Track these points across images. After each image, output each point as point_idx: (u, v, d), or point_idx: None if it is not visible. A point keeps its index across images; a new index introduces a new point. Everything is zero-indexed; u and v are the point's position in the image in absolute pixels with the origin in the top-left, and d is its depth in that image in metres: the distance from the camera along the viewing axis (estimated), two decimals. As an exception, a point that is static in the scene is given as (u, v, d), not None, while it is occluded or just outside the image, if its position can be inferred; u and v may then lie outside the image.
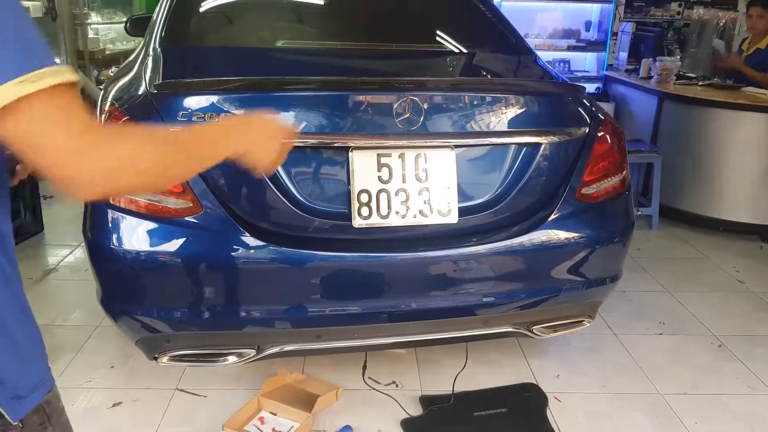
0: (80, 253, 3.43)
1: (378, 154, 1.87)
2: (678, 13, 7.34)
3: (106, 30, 6.57)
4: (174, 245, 1.78)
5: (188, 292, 1.82)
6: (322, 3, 2.78)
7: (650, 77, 4.59)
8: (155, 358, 1.95)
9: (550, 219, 2.00)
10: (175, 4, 2.46)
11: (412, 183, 1.89)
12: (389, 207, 1.87)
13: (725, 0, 6.70)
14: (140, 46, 2.61)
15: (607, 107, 4.79)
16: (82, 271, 3.20)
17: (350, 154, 1.85)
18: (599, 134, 2.11)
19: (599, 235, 2.08)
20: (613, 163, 2.12)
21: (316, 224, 1.85)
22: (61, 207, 4.14)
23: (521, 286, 2.03)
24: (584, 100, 2.16)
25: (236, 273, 1.81)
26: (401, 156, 1.89)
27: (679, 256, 3.72)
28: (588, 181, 2.06)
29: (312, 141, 1.84)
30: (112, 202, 1.80)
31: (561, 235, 2.01)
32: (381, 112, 1.86)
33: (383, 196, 1.87)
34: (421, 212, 1.89)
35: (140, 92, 1.95)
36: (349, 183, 1.86)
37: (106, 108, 1.95)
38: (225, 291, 1.84)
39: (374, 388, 2.31)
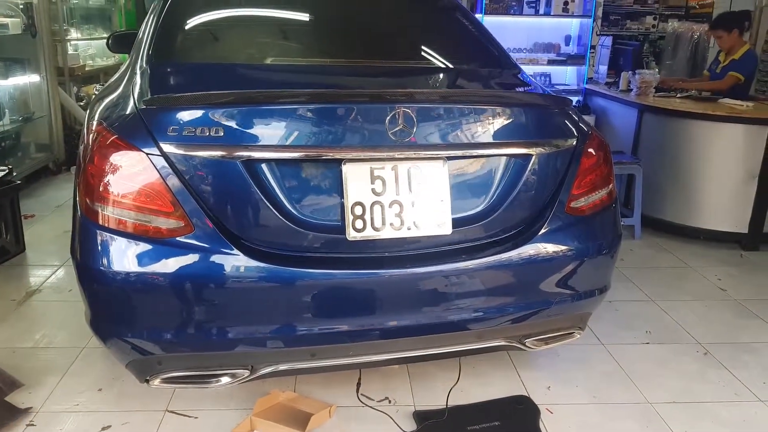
0: (63, 273, 3.38)
1: (371, 167, 1.88)
2: (653, 26, 7.51)
3: (86, 46, 6.52)
4: (165, 266, 1.76)
5: (180, 313, 1.79)
6: (309, 20, 2.79)
7: (629, 90, 4.68)
8: (146, 381, 1.92)
9: (540, 233, 2.02)
10: (162, 21, 2.45)
11: (406, 195, 1.90)
12: (383, 220, 1.87)
13: (699, 13, 6.87)
14: (126, 63, 2.60)
15: (588, 120, 4.86)
16: (65, 292, 3.16)
17: (343, 167, 1.85)
18: (586, 148, 2.14)
19: (588, 248, 2.10)
20: (600, 176, 2.15)
21: (309, 238, 1.84)
22: (42, 226, 4.08)
23: (513, 300, 2.04)
24: (571, 113, 2.19)
25: (229, 293, 1.79)
26: (394, 168, 1.89)
27: (662, 265, 3.77)
28: (577, 194, 2.09)
29: (303, 154, 1.84)
30: (101, 223, 1.78)
31: (552, 248, 2.03)
32: (373, 124, 1.86)
33: (377, 208, 1.87)
34: (414, 224, 1.90)
35: (128, 110, 1.93)
36: (342, 196, 1.86)
37: (94, 127, 1.93)
38: (218, 311, 1.82)
39: (367, 405, 2.30)
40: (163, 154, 1.77)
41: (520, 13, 5.96)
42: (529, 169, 2.02)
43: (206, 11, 2.65)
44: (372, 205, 1.87)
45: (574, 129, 2.14)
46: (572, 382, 2.50)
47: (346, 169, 1.85)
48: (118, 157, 1.78)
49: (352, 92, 1.99)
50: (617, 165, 3.97)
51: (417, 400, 2.35)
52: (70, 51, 5.87)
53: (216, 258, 1.78)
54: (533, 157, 2.03)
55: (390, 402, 2.33)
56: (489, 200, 2.02)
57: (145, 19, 2.73)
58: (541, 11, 6.04)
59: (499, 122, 2.02)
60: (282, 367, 1.97)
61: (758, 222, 3.94)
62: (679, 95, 4.46)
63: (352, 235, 1.86)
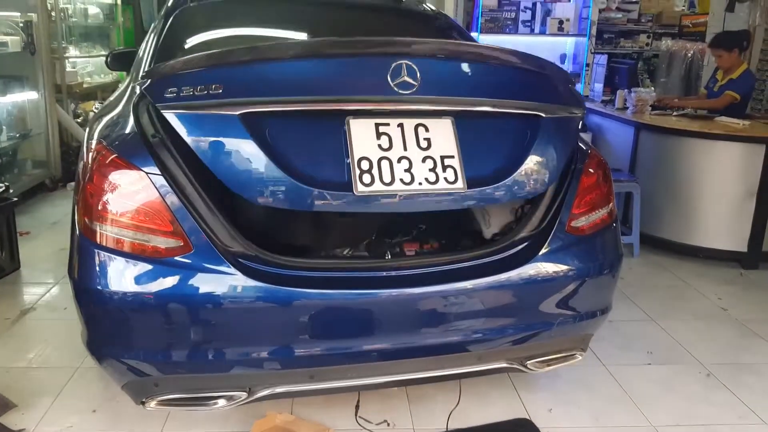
0: (58, 291, 3.34)
1: (376, 123, 1.82)
2: (647, 44, 7.57)
3: (84, 63, 6.53)
4: (164, 286, 1.74)
5: (179, 335, 1.77)
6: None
7: (626, 108, 4.69)
8: (142, 403, 1.89)
9: (541, 253, 2.00)
10: (162, 41, 2.46)
11: (414, 151, 1.83)
12: (392, 175, 1.80)
13: (692, 32, 6.93)
14: (126, 82, 2.60)
15: (585, 137, 4.87)
16: (60, 310, 3.12)
17: (347, 124, 1.80)
18: (585, 167, 2.14)
19: (590, 268, 2.09)
20: (600, 195, 2.15)
21: (314, 194, 1.76)
22: (38, 243, 4.05)
23: (515, 321, 2.02)
24: (573, 86, 2.18)
25: (228, 314, 1.77)
26: (400, 126, 1.85)
27: (662, 284, 3.76)
28: (577, 214, 2.08)
29: (305, 107, 1.79)
30: (99, 242, 1.76)
31: (553, 268, 2.02)
32: (375, 76, 1.81)
33: (385, 164, 1.80)
34: (426, 180, 1.82)
35: (128, 129, 1.92)
36: (347, 153, 1.79)
37: (93, 146, 1.92)
38: (217, 332, 1.79)
39: (366, 428, 2.27)
40: (163, 173, 1.76)
41: (516, 32, 6.01)
42: (539, 131, 1.98)
43: (207, 30, 2.66)
44: (379, 160, 1.80)
45: (577, 100, 2.12)
46: (574, 404, 2.47)
47: (351, 125, 1.80)
48: (118, 176, 1.77)
49: (356, 41, 1.92)
50: (615, 183, 3.96)
51: (416, 423, 2.31)
52: (69, 68, 5.88)
53: (214, 278, 1.75)
54: (542, 120, 1.99)
55: (389, 425, 2.29)
56: (501, 161, 1.96)
57: (146, 38, 2.74)
58: (537, 30, 6.09)
59: (507, 82, 1.99)
60: (280, 389, 1.94)
61: (757, 240, 3.93)
62: (675, 113, 4.48)
63: (360, 189, 1.77)
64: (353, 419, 2.30)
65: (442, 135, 1.88)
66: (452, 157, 1.86)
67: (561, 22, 6.12)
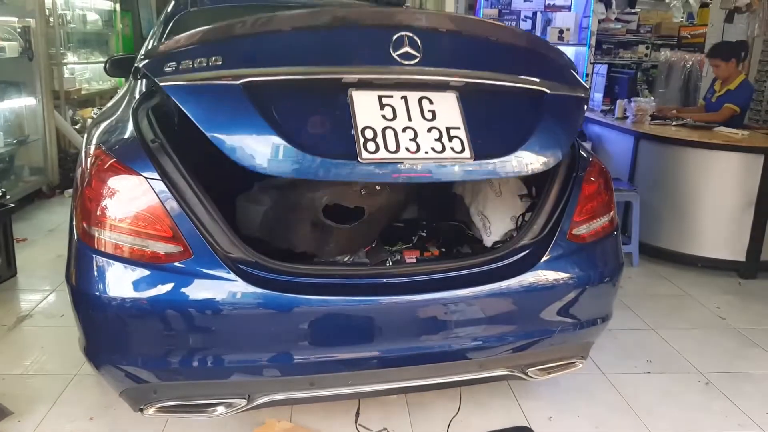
0: (55, 298, 3.32)
1: (379, 95, 1.80)
2: (645, 55, 7.62)
3: (82, 70, 6.53)
4: (163, 292, 1.72)
5: (178, 341, 1.76)
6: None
7: (625, 117, 4.70)
8: (140, 410, 1.87)
9: (542, 260, 2.00)
10: (162, 47, 2.45)
11: (419, 121, 1.80)
12: (397, 143, 1.76)
13: (691, 43, 6.97)
14: (125, 87, 2.60)
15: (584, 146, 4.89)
16: (57, 317, 3.10)
17: (350, 94, 1.78)
18: (587, 175, 2.14)
19: (591, 276, 2.08)
20: (601, 203, 2.14)
21: (318, 162, 1.70)
22: (35, 250, 4.02)
23: (516, 329, 2.02)
24: (575, 71, 2.18)
25: (228, 320, 1.76)
26: (404, 98, 1.82)
27: (661, 293, 3.75)
28: (578, 221, 2.08)
29: (307, 77, 1.77)
30: (98, 247, 1.75)
31: (553, 276, 2.01)
32: (378, 46, 1.79)
33: (389, 133, 1.77)
34: (433, 149, 1.79)
35: (127, 134, 1.92)
36: (351, 124, 1.75)
37: (92, 151, 1.91)
38: (216, 339, 1.78)
39: (366, 436, 2.25)
40: (163, 178, 1.75)
41: (516, 42, 6.01)
42: (544, 107, 1.96)
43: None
44: (383, 129, 1.76)
45: (580, 83, 2.11)
46: (574, 413, 2.46)
47: (353, 97, 1.77)
48: (117, 181, 1.76)
49: (360, 8, 1.91)
50: (614, 192, 3.97)
51: (416, 431, 2.29)
52: (67, 74, 5.88)
53: (214, 284, 1.74)
54: (547, 96, 1.98)
55: (389, 433, 2.28)
56: (507, 136, 1.93)
57: (145, 44, 2.73)
58: (537, 40, 6.09)
59: (511, 57, 1.99)
60: (279, 396, 1.93)
61: (755, 250, 3.93)
62: (674, 123, 4.49)
63: (364, 156, 1.73)
64: (353, 426, 2.28)
65: (447, 108, 1.84)
66: (458, 128, 1.83)
67: (561, 31, 6.15)
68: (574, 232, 2.08)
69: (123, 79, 3.12)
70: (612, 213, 2.19)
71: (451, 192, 2.68)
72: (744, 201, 3.89)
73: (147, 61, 1.79)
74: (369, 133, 1.75)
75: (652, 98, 5.00)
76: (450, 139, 1.81)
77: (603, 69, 5.30)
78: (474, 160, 1.82)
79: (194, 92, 1.71)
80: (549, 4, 6.07)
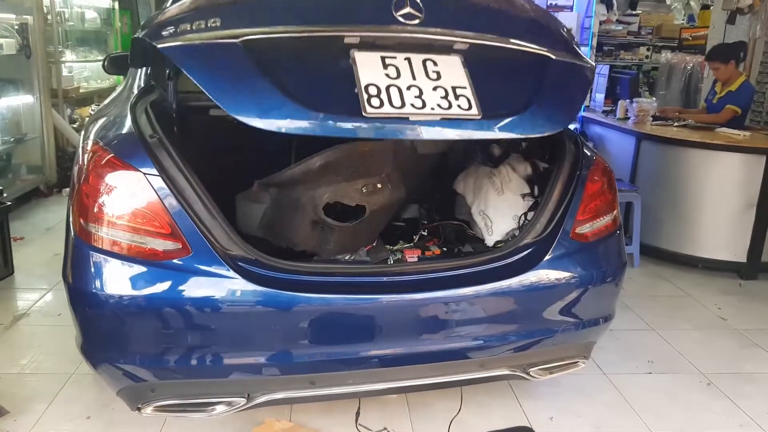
0: (52, 297, 3.29)
1: (381, 56, 1.76)
2: (646, 57, 7.61)
3: (80, 68, 6.50)
4: (161, 289, 1.70)
5: (176, 339, 1.73)
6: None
7: (627, 118, 4.69)
8: (138, 409, 1.85)
9: (545, 259, 1.98)
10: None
11: (424, 81, 1.76)
12: (402, 100, 1.71)
13: (692, 45, 6.96)
14: (123, 84, 2.57)
15: (584, 147, 4.87)
16: (54, 316, 3.07)
17: (352, 55, 1.74)
18: (590, 174, 2.12)
19: (594, 275, 2.07)
20: (604, 202, 2.13)
21: (320, 118, 1.65)
22: (32, 249, 4.00)
23: (518, 328, 2.00)
24: (578, 46, 2.17)
25: (227, 318, 1.74)
26: (407, 59, 1.78)
27: (662, 294, 3.73)
28: (581, 220, 2.06)
29: (307, 34, 1.74)
30: (95, 244, 1.73)
31: (556, 275, 1.99)
32: (379, 6, 1.77)
33: (394, 90, 1.72)
34: (439, 105, 1.73)
35: (125, 130, 1.90)
36: (354, 82, 1.70)
37: (89, 146, 1.89)
38: (215, 337, 1.76)
39: (365, 436, 2.23)
40: (161, 174, 1.73)
41: (517, 42, 5.99)
42: (550, 71, 1.93)
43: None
44: (388, 87, 1.71)
45: (583, 56, 2.10)
46: (575, 413, 2.44)
47: (356, 57, 1.73)
48: (114, 177, 1.74)
49: None
50: (616, 192, 3.96)
51: (416, 431, 2.27)
52: (65, 73, 5.84)
53: (213, 281, 1.72)
54: (552, 62, 1.95)
55: (389, 432, 2.26)
56: (514, 97, 1.89)
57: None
58: (538, 40, 6.07)
59: (515, 22, 1.99)
60: (279, 395, 1.91)
61: (756, 251, 3.92)
62: (676, 124, 4.48)
63: (369, 111, 1.67)
64: (353, 426, 2.26)
65: (452, 70, 1.80)
66: (464, 87, 1.78)
67: (562, 32, 6.12)
68: (578, 231, 2.06)
69: (121, 77, 3.10)
70: (615, 212, 2.17)
71: (453, 190, 2.66)
72: (745, 202, 3.88)
73: (146, 30, 1.77)
74: (373, 90, 1.69)
75: (654, 99, 4.98)
76: (456, 97, 1.76)
77: (605, 69, 5.29)
78: (482, 118, 1.76)
79: (194, 52, 1.68)
80: (551, 3, 6.05)
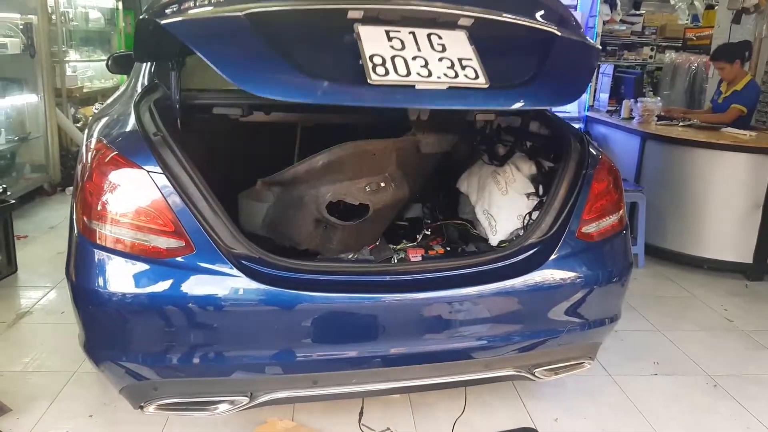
0: (55, 295, 3.29)
1: (386, 30, 1.73)
2: (650, 57, 7.58)
3: (84, 68, 6.50)
4: (164, 287, 1.69)
5: (179, 337, 1.73)
6: None
7: (632, 118, 4.67)
8: (141, 407, 1.84)
9: (551, 258, 1.96)
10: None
11: (429, 52, 1.72)
12: (408, 68, 1.67)
13: (696, 44, 6.93)
14: (126, 83, 2.57)
15: (589, 147, 4.85)
16: (57, 314, 3.07)
17: (356, 29, 1.71)
18: (596, 173, 2.10)
19: (599, 275, 2.05)
20: (611, 202, 2.11)
21: (325, 86, 1.62)
22: (35, 247, 4.00)
23: (524, 328, 1.98)
24: (582, 32, 2.16)
25: (230, 316, 1.73)
26: (411, 33, 1.75)
27: (667, 295, 3.71)
28: (587, 219, 2.04)
29: (312, 7, 1.75)
30: (98, 242, 1.72)
31: (562, 275, 1.98)
32: None
33: (399, 60, 1.68)
34: (445, 74, 1.70)
35: (129, 128, 1.89)
36: (359, 54, 1.66)
37: (93, 144, 1.88)
38: (218, 335, 1.75)
39: (369, 436, 2.22)
40: (165, 172, 1.72)
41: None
42: (556, 47, 1.91)
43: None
44: (393, 57, 1.68)
45: (587, 38, 2.08)
46: (580, 414, 2.42)
47: (360, 30, 1.71)
48: (118, 175, 1.73)
49: None
50: (622, 191, 3.94)
51: (420, 431, 2.26)
52: (69, 72, 5.84)
53: (217, 280, 1.71)
54: (558, 38, 1.92)
55: (392, 433, 2.24)
56: (520, 70, 1.86)
57: None
58: (542, 40, 6.05)
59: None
60: (282, 394, 1.90)
61: (763, 252, 3.89)
62: (681, 124, 4.45)
63: (374, 78, 1.63)
64: (356, 426, 2.25)
65: (457, 43, 1.77)
66: (470, 59, 1.75)
67: (566, 30, 6.10)
68: (583, 231, 2.04)
69: (125, 77, 3.10)
70: (621, 212, 2.16)
71: (456, 189, 2.65)
72: (751, 202, 3.85)
73: (150, 11, 1.76)
74: (377, 60, 1.66)
75: (658, 99, 4.96)
76: (463, 67, 1.72)
77: (609, 69, 5.27)
78: (489, 87, 1.72)
79: (198, 27, 1.68)
80: (554, 3, 6.03)
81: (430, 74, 1.68)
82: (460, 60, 1.73)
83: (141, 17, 1.87)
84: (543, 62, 1.87)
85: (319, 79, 1.62)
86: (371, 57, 1.66)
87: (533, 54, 1.90)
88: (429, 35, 1.76)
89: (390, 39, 1.71)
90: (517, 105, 1.83)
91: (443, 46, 1.75)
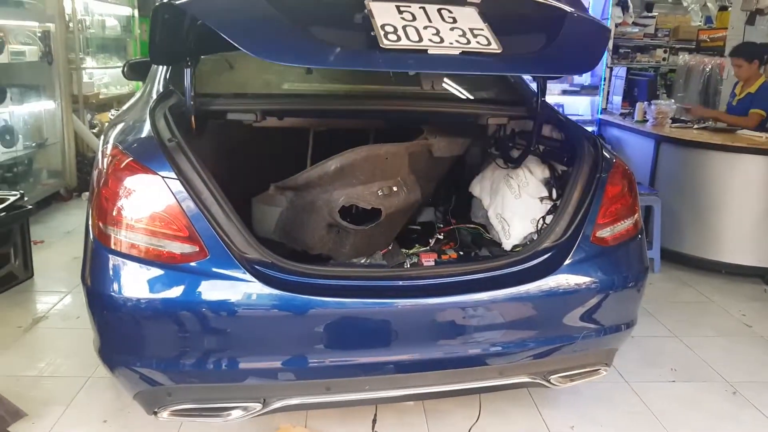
0: (71, 300, 3.31)
1: (396, 5, 1.74)
2: (663, 59, 7.51)
3: (100, 74, 6.57)
4: (178, 292, 1.70)
5: (193, 342, 1.73)
6: None
7: (645, 120, 4.63)
8: (155, 413, 1.84)
9: (565, 263, 1.94)
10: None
11: (441, 23, 1.73)
12: (419, 36, 1.68)
13: (710, 46, 6.86)
14: (142, 89, 2.59)
15: (603, 150, 4.81)
16: (73, 319, 3.09)
17: (367, 5, 1.72)
18: (610, 177, 2.08)
19: (615, 280, 2.03)
20: (625, 206, 2.09)
21: (337, 51, 1.64)
22: (51, 252, 4.03)
23: (539, 334, 1.96)
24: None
25: (244, 322, 1.73)
26: (422, 8, 1.76)
27: (684, 300, 3.66)
28: (602, 224, 2.02)
29: None
30: (114, 247, 1.73)
31: (577, 280, 1.96)
32: None
33: (411, 29, 1.69)
34: (457, 41, 1.70)
35: (144, 134, 1.90)
36: (371, 26, 1.67)
37: (109, 150, 1.90)
38: (232, 341, 1.75)
39: (382, 442, 2.21)
40: (179, 177, 1.73)
41: (533, 45, 5.96)
42: (566, 23, 1.90)
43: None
44: (404, 26, 1.69)
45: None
46: (596, 422, 2.39)
47: (371, 6, 1.72)
48: (133, 180, 1.74)
49: None
50: (637, 195, 3.90)
51: (434, 438, 2.25)
52: (85, 79, 5.91)
53: (230, 285, 1.72)
54: (569, 15, 1.92)
55: (406, 439, 2.23)
56: (531, 41, 1.87)
57: None
58: (554, 43, 6.03)
59: None
60: (295, 401, 1.89)
61: (782, 256, 3.84)
62: (696, 126, 4.41)
63: (385, 43, 1.63)
64: (369, 433, 2.24)
65: (468, 17, 1.78)
66: (481, 29, 1.75)
67: (578, 33, 6.07)
68: (598, 235, 2.02)
69: (140, 84, 3.13)
70: (636, 216, 2.14)
71: (469, 193, 2.64)
72: (769, 206, 3.80)
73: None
74: (389, 28, 1.67)
75: (672, 101, 4.91)
76: (474, 36, 1.72)
77: (622, 71, 5.23)
78: (502, 53, 1.72)
79: (211, 2, 1.71)
80: (566, 6, 6.01)
81: (442, 41, 1.68)
82: (471, 29, 1.74)
83: (157, 4, 1.88)
84: (554, 37, 1.86)
85: (332, 46, 1.65)
86: (383, 26, 1.67)
87: (544, 30, 1.90)
88: (439, 10, 1.77)
89: (401, 12, 1.72)
90: (530, 70, 1.85)
91: (454, 18, 1.75)
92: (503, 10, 1.91)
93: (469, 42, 1.70)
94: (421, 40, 1.66)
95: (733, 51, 4.64)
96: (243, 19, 1.67)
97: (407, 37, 1.66)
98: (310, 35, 1.67)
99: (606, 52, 5.72)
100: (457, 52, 1.67)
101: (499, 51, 1.70)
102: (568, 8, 1.95)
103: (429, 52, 1.66)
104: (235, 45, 1.57)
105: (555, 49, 1.84)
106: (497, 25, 1.78)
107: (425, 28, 1.70)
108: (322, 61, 1.68)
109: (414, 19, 1.72)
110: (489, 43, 1.71)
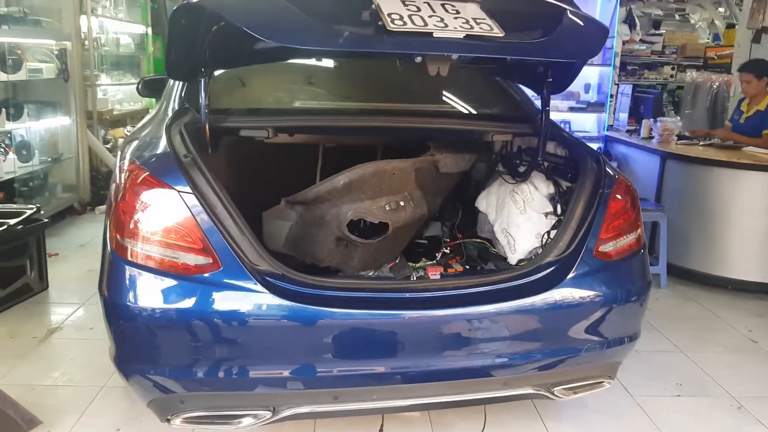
0: (84, 312, 3.38)
1: (402, 0, 1.81)
2: (671, 76, 7.56)
3: (114, 91, 6.70)
4: (192, 303, 1.75)
5: (205, 351, 1.78)
6: (332, 66, 2.86)
7: (651, 137, 4.67)
8: (167, 420, 1.89)
9: (569, 277, 1.99)
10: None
11: (444, 14, 1.80)
12: (424, 21, 1.75)
13: (717, 63, 6.90)
14: (157, 106, 2.67)
15: (609, 167, 4.84)
16: (87, 330, 3.15)
17: (375, 0, 1.78)
18: (613, 192, 2.13)
19: (618, 294, 2.06)
20: (628, 221, 2.13)
21: (345, 34, 1.73)
22: (66, 265, 4.11)
23: (543, 346, 2.00)
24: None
25: (255, 332, 1.78)
26: (426, 3, 1.83)
27: (690, 315, 3.68)
28: (605, 239, 2.06)
29: None
30: (131, 259, 1.79)
31: (580, 293, 2.00)
32: None
33: (416, 17, 1.76)
34: (461, 27, 1.77)
35: (160, 150, 1.97)
36: (378, 16, 1.74)
37: (126, 166, 1.97)
38: (244, 350, 1.80)
39: (389, 452, 2.24)
40: (194, 192, 1.79)
41: (540, 63, 6.03)
42: (565, 19, 1.96)
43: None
44: (410, 15, 1.76)
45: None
46: (601, 434, 2.42)
47: (379, 1, 1.78)
48: (150, 194, 1.80)
49: None
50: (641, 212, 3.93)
51: (440, 449, 2.28)
52: (100, 95, 6.03)
53: (242, 296, 1.77)
54: (568, 11, 1.98)
55: (412, 450, 2.26)
56: (533, 31, 1.93)
57: None
58: (561, 60, 6.09)
59: None
60: (304, 409, 1.93)
61: (787, 272, 3.85)
62: (702, 143, 4.44)
63: (391, 26, 1.71)
64: (376, 444, 2.28)
65: (471, 10, 1.85)
66: (484, 19, 1.82)
67: (585, 51, 6.13)
68: (601, 250, 2.06)
69: (153, 101, 3.22)
70: (639, 231, 2.17)
71: (475, 208, 2.69)
72: (775, 222, 3.82)
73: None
74: (396, 16, 1.74)
75: (678, 118, 4.95)
76: (477, 23, 1.80)
77: (628, 89, 5.28)
78: (505, 38, 1.79)
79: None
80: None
81: (446, 26, 1.76)
82: (474, 19, 1.82)
83: (175, 9, 1.96)
84: (555, 29, 1.93)
85: (341, 30, 1.73)
86: (389, 14, 1.75)
87: (545, 23, 1.96)
88: (443, 4, 1.85)
89: (406, 5, 1.80)
90: (532, 54, 1.91)
91: (457, 11, 1.83)
92: (505, 8, 1.97)
93: (472, 28, 1.78)
94: (426, 25, 1.75)
95: (742, 66, 4.67)
96: (254, 8, 1.75)
97: (413, 23, 1.74)
98: (318, 21, 1.74)
99: (614, 69, 5.77)
100: (461, 35, 1.76)
101: (501, 35, 1.78)
102: (568, 6, 2.01)
103: (434, 35, 1.74)
104: (249, 31, 1.66)
105: (556, 37, 1.91)
106: (500, 19, 1.86)
107: (430, 16, 1.79)
108: (331, 43, 1.77)
109: (419, 10, 1.80)
110: (492, 29, 1.79)
